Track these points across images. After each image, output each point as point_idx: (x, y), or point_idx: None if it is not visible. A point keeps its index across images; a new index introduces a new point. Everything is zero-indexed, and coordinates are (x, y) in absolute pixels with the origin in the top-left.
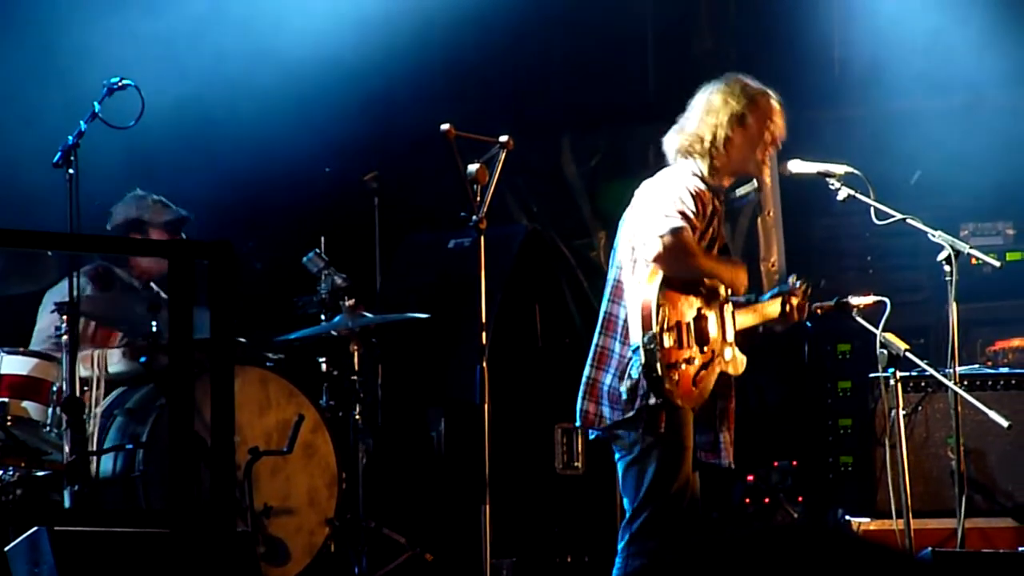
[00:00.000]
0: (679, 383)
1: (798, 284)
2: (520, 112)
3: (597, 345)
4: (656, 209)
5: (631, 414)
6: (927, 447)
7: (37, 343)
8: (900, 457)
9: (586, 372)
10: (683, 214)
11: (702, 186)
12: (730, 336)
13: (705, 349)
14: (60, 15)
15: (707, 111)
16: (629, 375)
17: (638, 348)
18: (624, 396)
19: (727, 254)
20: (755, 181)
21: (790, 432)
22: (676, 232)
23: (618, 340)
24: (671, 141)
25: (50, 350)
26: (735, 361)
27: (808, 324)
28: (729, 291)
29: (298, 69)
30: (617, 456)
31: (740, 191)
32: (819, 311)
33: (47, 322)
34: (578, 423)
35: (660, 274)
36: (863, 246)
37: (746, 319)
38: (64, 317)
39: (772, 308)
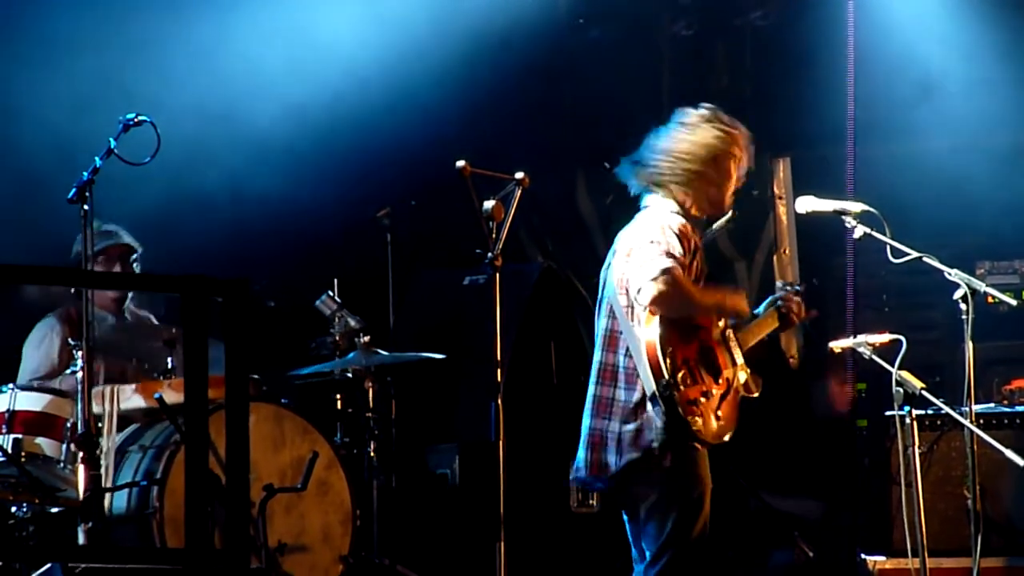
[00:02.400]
0: (705, 419)
1: (788, 288)
2: (535, 149)
3: (596, 396)
4: (643, 254)
5: (638, 455)
6: (943, 485)
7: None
8: (916, 495)
9: (587, 424)
10: (670, 254)
11: (683, 221)
12: (739, 360)
13: (720, 380)
14: (78, 52)
15: (689, 143)
16: (649, 419)
17: (655, 396)
18: (635, 437)
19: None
20: (730, 212)
21: (806, 469)
22: (667, 272)
23: (620, 388)
24: (650, 170)
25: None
26: (751, 383)
27: (807, 326)
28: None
29: (312, 106)
30: (637, 504)
31: (715, 225)
32: (835, 350)
33: (34, 363)
34: (582, 475)
35: (657, 317)
36: (879, 284)
37: (748, 337)
38: (80, 353)
39: (771, 319)
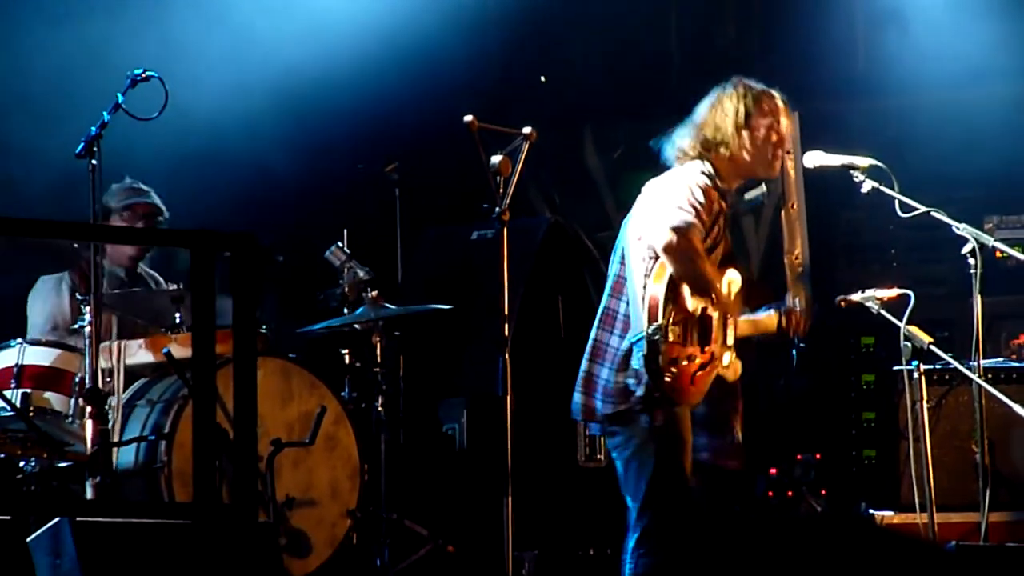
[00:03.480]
0: (678, 378)
1: (796, 304)
2: (543, 104)
3: (594, 339)
4: (668, 202)
5: (624, 407)
6: (951, 440)
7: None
8: (924, 450)
9: (583, 366)
10: (694, 207)
11: (709, 183)
12: (730, 340)
13: (706, 350)
14: (90, 9)
15: (713, 115)
16: (632, 367)
17: (641, 339)
18: (621, 388)
19: (732, 259)
20: (764, 184)
21: (813, 425)
22: (687, 227)
23: (615, 334)
24: (678, 142)
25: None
26: (733, 366)
27: (801, 344)
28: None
29: (322, 63)
30: (613, 452)
31: (749, 195)
32: (843, 304)
33: (44, 315)
34: (577, 416)
35: (669, 270)
36: (887, 239)
37: (744, 327)
38: (88, 308)
39: (769, 322)
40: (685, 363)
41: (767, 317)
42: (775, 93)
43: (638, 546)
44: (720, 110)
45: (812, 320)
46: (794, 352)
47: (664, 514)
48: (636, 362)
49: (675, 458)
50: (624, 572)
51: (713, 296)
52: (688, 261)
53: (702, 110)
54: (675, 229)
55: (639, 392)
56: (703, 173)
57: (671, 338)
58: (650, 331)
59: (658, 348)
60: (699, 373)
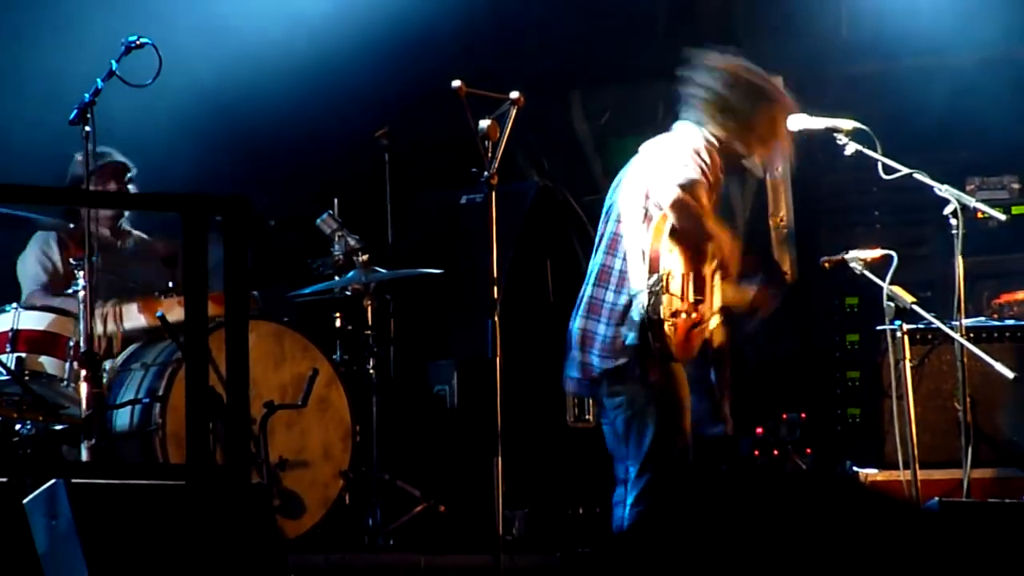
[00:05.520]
0: (676, 331)
1: (765, 282)
2: (530, 69)
3: (589, 296)
4: (674, 160)
5: (622, 361)
6: (934, 399)
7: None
8: (907, 409)
9: (576, 324)
10: (699, 166)
11: (711, 145)
12: (716, 304)
13: (699, 308)
14: None
15: (723, 88)
16: (630, 318)
17: (639, 292)
18: (621, 342)
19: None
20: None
21: (798, 385)
22: (693, 183)
23: (611, 290)
24: (692, 99)
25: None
26: (718, 331)
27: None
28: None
29: (309, 29)
30: (609, 408)
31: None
32: (827, 265)
33: (33, 274)
34: (575, 373)
35: (667, 225)
36: (870, 201)
37: (727, 294)
38: (82, 273)
39: (746, 294)
40: (683, 316)
41: (745, 289)
42: (778, 84)
43: (636, 503)
44: (737, 94)
45: (786, 291)
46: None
47: (663, 474)
48: (636, 313)
49: (675, 419)
50: (615, 524)
51: (714, 250)
52: (693, 217)
53: (731, 82)
54: (681, 186)
55: (634, 342)
56: (705, 138)
57: (671, 291)
58: (651, 283)
59: (659, 299)
60: (693, 331)
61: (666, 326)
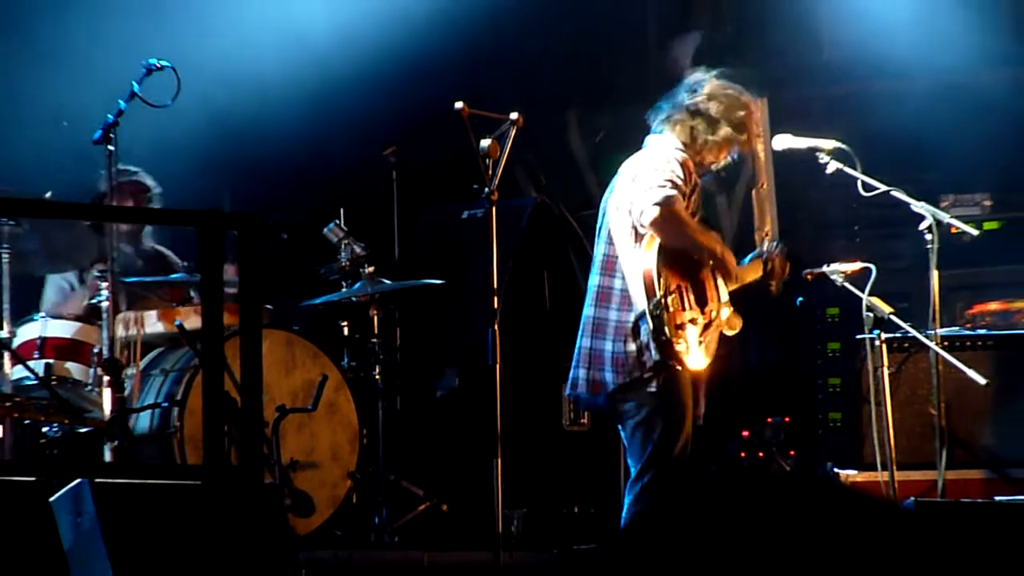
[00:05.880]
0: (687, 344)
1: (775, 247)
2: (529, 91)
3: (592, 317)
4: (649, 179)
5: (636, 375)
6: (910, 404)
7: (48, 310)
8: (885, 413)
9: (581, 343)
10: (674, 183)
11: (686, 157)
12: (724, 297)
13: (705, 311)
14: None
15: (694, 101)
16: (640, 339)
17: (644, 315)
18: (634, 358)
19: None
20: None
21: (783, 391)
22: (670, 200)
23: (614, 309)
24: (663, 113)
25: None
26: (732, 320)
27: (799, 300)
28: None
29: (321, 53)
30: (624, 418)
31: (713, 168)
32: (809, 277)
33: (56, 294)
34: (581, 392)
35: (656, 242)
36: (850, 217)
37: (734, 281)
38: (105, 284)
39: (754, 271)
40: (690, 327)
41: (752, 265)
42: (754, 98)
43: (635, 502)
44: (723, 107)
45: (771, 303)
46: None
47: (664, 475)
48: (644, 336)
49: (680, 425)
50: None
51: (707, 256)
52: (677, 232)
53: (703, 95)
54: (658, 204)
55: (654, 357)
56: (678, 149)
57: (671, 308)
58: (651, 307)
59: (662, 320)
60: (704, 334)
61: (676, 344)
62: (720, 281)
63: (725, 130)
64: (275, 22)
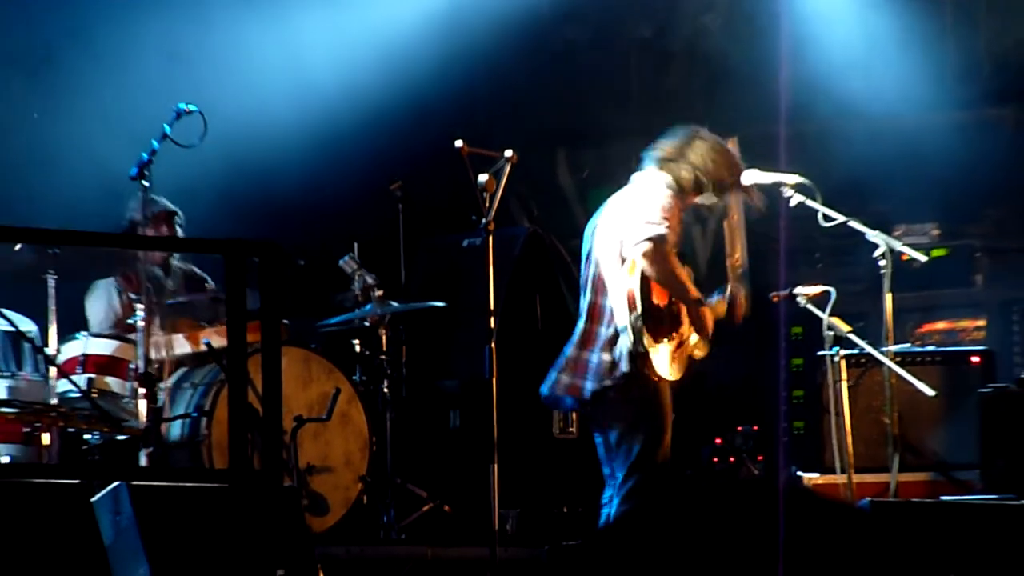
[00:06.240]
0: (661, 357)
1: (737, 289)
2: (522, 131)
3: (585, 331)
4: (646, 214)
5: (607, 383)
6: (866, 414)
7: (93, 325)
8: (843, 422)
9: (568, 352)
10: (666, 219)
11: (674, 195)
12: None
13: (675, 333)
14: (134, 56)
15: (683, 159)
16: (621, 349)
17: (626, 327)
18: (608, 366)
19: (682, 260)
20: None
21: (752, 402)
22: (661, 238)
23: (603, 324)
24: (656, 158)
25: (120, 333)
26: (700, 344)
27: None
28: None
29: (332, 100)
30: (602, 423)
31: (700, 203)
32: (775, 299)
33: (100, 314)
34: (558, 392)
35: (639, 268)
36: (811, 244)
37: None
38: (140, 307)
39: (720, 307)
40: (666, 342)
41: (718, 302)
42: (732, 149)
43: (623, 503)
44: (699, 158)
45: (748, 310)
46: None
47: (647, 480)
48: (624, 346)
49: (661, 433)
50: (602, 521)
51: (681, 296)
52: (663, 269)
53: (680, 147)
54: (651, 239)
55: (624, 368)
56: (669, 187)
57: (650, 323)
58: (632, 320)
59: (642, 333)
60: (676, 352)
61: (652, 355)
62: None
63: (710, 176)
64: (287, 72)
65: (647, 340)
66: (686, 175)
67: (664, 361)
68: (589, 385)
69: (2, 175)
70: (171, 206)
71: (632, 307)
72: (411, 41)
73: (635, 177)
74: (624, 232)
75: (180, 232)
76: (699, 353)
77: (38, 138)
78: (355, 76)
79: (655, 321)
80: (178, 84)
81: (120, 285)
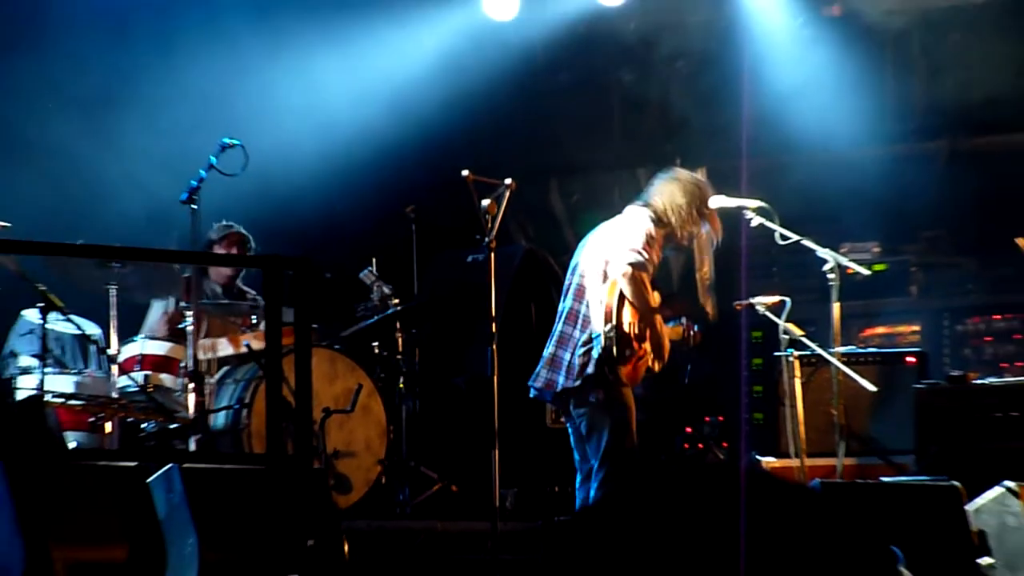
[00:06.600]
0: (626, 365)
1: (692, 326)
2: (520, 162)
3: (561, 332)
4: (631, 242)
5: (577, 383)
6: (816, 406)
7: (147, 332)
8: (796, 414)
9: (548, 350)
10: (647, 249)
11: (656, 228)
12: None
13: (643, 347)
14: (177, 98)
15: (667, 197)
16: (590, 353)
17: (599, 335)
18: (579, 367)
19: (656, 284)
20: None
21: (718, 396)
22: (639, 265)
23: (577, 328)
24: (646, 195)
25: (171, 336)
26: (655, 362)
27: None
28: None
29: (354, 136)
30: (574, 416)
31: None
32: (738, 307)
33: (156, 322)
34: (538, 385)
35: (619, 287)
36: (770, 260)
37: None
38: (190, 314)
39: (676, 332)
40: (629, 354)
41: (675, 328)
42: (707, 185)
43: (600, 487)
44: (681, 196)
45: (709, 327)
46: (688, 369)
47: (618, 468)
48: (596, 351)
49: (626, 425)
50: (578, 503)
51: (647, 316)
52: (637, 291)
53: (663, 187)
54: (632, 264)
55: (592, 371)
56: (652, 220)
57: (622, 335)
58: (607, 330)
59: (613, 342)
60: (639, 363)
61: (619, 363)
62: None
63: (690, 214)
64: (311, 112)
65: (616, 349)
66: (668, 211)
67: (631, 369)
68: (561, 380)
69: (66, 203)
70: (244, 232)
71: (608, 320)
72: (420, 85)
73: (627, 208)
74: (610, 254)
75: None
76: (657, 367)
77: (95, 170)
78: (371, 116)
79: (624, 335)
80: (215, 123)
81: (178, 297)
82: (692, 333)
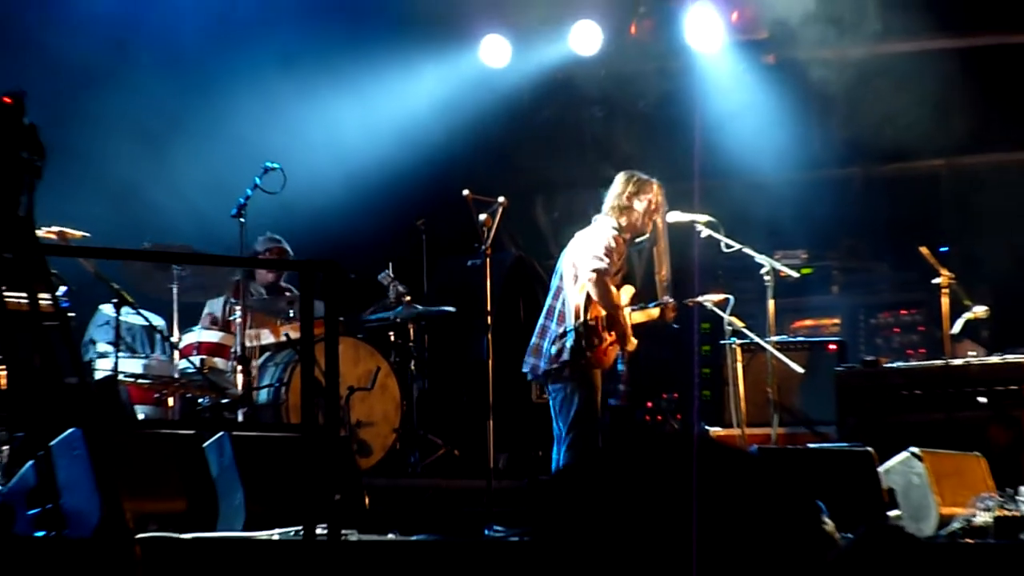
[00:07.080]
0: (597, 351)
1: (669, 301)
2: (511, 183)
3: (542, 325)
4: (594, 250)
5: (555, 367)
6: (754, 385)
7: (203, 323)
8: (738, 392)
9: (533, 340)
10: (609, 256)
11: (618, 235)
12: (628, 328)
13: (607, 336)
14: (220, 129)
15: (622, 197)
16: (564, 343)
17: (571, 328)
18: (555, 355)
19: (626, 279)
20: (648, 234)
21: (674, 377)
22: (603, 272)
23: (555, 322)
24: (606, 203)
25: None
26: (630, 343)
27: (675, 325)
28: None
29: (375, 162)
30: (551, 392)
31: (637, 240)
32: (690, 304)
33: (208, 318)
34: (525, 369)
35: (587, 289)
36: (716, 264)
37: (637, 317)
38: (239, 308)
39: (654, 312)
40: (599, 343)
41: (654, 309)
42: (656, 183)
43: (567, 451)
44: (638, 199)
45: (677, 314)
46: (620, 367)
47: (582, 435)
48: (569, 341)
49: (592, 400)
50: (552, 465)
51: (614, 312)
52: (603, 293)
53: (619, 189)
54: (596, 271)
55: (565, 357)
56: (614, 228)
57: (591, 327)
58: (576, 325)
59: (581, 335)
60: (609, 349)
61: (588, 352)
62: (627, 317)
63: (644, 213)
64: (332, 144)
65: (585, 341)
66: (627, 217)
67: (599, 355)
68: (542, 365)
69: (127, 218)
70: (286, 245)
71: (577, 316)
72: (426, 121)
73: (594, 218)
74: (579, 260)
75: None
76: (629, 349)
77: (155, 189)
78: (385, 147)
79: (596, 328)
80: (252, 156)
81: (228, 296)
82: (668, 310)
